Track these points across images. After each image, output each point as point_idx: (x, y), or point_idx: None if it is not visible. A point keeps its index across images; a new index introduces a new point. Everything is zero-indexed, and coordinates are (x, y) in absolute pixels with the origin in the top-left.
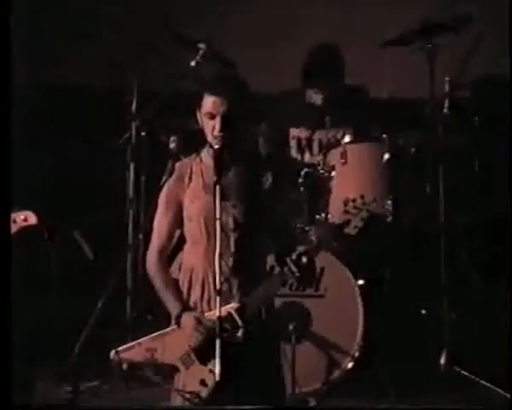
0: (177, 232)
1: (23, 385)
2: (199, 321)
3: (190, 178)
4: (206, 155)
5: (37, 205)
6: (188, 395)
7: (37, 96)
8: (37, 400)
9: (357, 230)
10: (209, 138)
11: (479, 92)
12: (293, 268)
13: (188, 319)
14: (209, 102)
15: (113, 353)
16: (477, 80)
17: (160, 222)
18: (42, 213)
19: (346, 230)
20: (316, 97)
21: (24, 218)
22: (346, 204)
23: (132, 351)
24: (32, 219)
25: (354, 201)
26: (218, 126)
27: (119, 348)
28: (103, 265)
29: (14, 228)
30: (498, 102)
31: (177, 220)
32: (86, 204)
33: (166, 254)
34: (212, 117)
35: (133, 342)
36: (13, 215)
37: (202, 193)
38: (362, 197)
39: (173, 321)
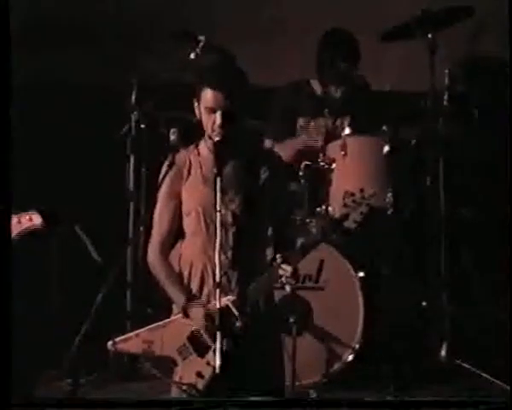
0: (178, 224)
1: (23, 379)
2: (207, 313)
3: (189, 171)
4: (204, 147)
5: (37, 198)
6: (184, 387)
7: (35, 89)
8: (37, 393)
9: (356, 224)
10: (208, 131)
11: (478, 84)
12: (284, 270)
13: (196, 310)
14: (209, 95)
15: (109, 344)
16: (477, 72)
17: (161, 214)
18: (42, 205)
19: (346, 224)
20: (317, 87)
21: (29, 218)
22: (345, 197)
23: (129, 342)
24: (38, 219)
25: (353, 195)
26: (218, 121)
27: (116, 339)
28: (103, 257)
29: (19, 229)
30: (498, 93)
31: (178, 212)
32: (86, 197)
33: (168, 246)
34: (213, 111)
35: (130, 334)
36: (18, 216)
37: (201, 186)
38: (361, 191)
39: (176, 310)
